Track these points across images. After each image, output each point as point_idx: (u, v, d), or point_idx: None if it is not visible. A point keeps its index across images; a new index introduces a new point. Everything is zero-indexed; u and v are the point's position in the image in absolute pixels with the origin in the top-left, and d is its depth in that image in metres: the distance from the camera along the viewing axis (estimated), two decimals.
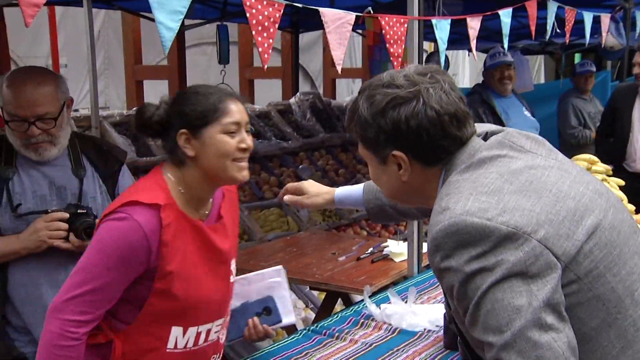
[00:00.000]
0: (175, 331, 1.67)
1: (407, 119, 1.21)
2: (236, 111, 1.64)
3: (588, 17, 3.87)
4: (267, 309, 1.93)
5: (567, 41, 3.81)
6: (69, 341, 1.54)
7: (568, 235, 1.12)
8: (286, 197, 2.00)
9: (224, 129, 1.62)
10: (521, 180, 1.17)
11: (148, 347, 1.66)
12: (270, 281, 1.94)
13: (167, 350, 1.68)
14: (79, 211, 2.04)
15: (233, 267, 1.81)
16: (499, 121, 4.13)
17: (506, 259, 1.10)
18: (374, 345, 2.05)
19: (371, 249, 3.27)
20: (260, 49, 2.02)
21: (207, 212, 1.73)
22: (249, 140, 1.66)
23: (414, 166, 1.27)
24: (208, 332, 1.75)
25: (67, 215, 2.02)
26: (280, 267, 1.99)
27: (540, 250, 1.10)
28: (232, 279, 1.81)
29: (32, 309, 2.05)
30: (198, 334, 1.72)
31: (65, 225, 2.01)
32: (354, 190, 1.93)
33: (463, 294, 1.14)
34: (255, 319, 1.91)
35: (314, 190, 1.98)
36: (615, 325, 1.14)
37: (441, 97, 1.22)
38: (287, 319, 1.96)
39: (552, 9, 3.47)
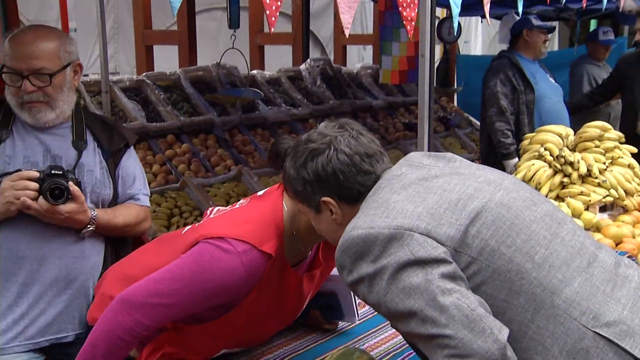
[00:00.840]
0: (224, 350, 1.75)
1: (324, 166, 1.39)
2: None
3: None
4: (329, 306, 1.93)
5: (584, 6, 3.74)
6: (131, 338, 1.53)
7: (450, 223, 1.24)
8: None
9: None
10: (409, 191, 1.31)
11: (196, 351, 1.68)
12: (335, 283, 1.91)
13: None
14: (52, 172, 1.85)
15: (306, 301, 1.80)
16: (528, 84, 4.14)
17: (395, 255, 1.22)
18: None
19: None
20: (267, 12, 2.00)
21: (308, 252, 1.72)
22: None
23: (343, 208, 1.42)
24: (247, 346, 1.83)
25: (36, 174, 1.84)
26: None
27: (422, 240, 1.22)
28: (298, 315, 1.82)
29: (6, 286, 1.89)
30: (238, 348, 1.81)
31: (33, 185, 1.83)
32: None
33: (373, 299, 1.25)
34: (318, 312, 1.93)
35: None
36: (522, 291, 1.22)
37: (350, 142, 1.41)
38: (349, 318, 1.95)
39: None
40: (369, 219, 1.27)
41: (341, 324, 1.98)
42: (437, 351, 1.18)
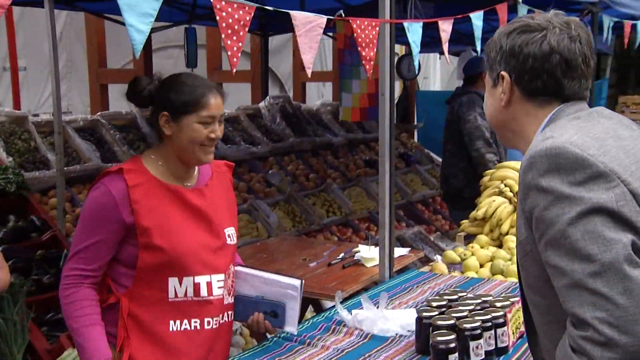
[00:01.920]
0: (172, 282, 1.88)
1: (522, 44, 1.33)
2: (214, 106, 1.87)
3: None
4: (275, 313, 2.05)
5: None
6: (69, 289, 1.82)
7: None
8: None
9: (200, 120, 1.85)
10: (623, 143, 1.25)
11: (152, 299, 1.87)
12: (286, 291, 2.04)
13: (170, 299, 1.88)
14: None
15: (230, 232, 2.01)
16: None
17: (598, 194, 1.15)
18: (346, 351, 2.03)
19: (342, 254, 3.23)
20: (229, 53, 1.98)
21: (190, 183, 1.97)
22: (219, 132, 1.91)
23: (514, 93, 1.36)
24: (209, 285, 1.92)
25: None
26: (298, 283, 2.04)
27: (630, 198, 1.16)
28: (229, 241, 2.00)
29: None
30: (197, 285, 1.90)
31: None
32: None
33: (548, 217, 1.18)
34: (262, 315, 2.06)
35: None
36: None
37: (563, 39, 1.31)
38: (290, 327, 2.07)
39: (522, 11, 3.49)
40: (586, 144, 1.20)
41: None
42: (587, 307, 1.12)
